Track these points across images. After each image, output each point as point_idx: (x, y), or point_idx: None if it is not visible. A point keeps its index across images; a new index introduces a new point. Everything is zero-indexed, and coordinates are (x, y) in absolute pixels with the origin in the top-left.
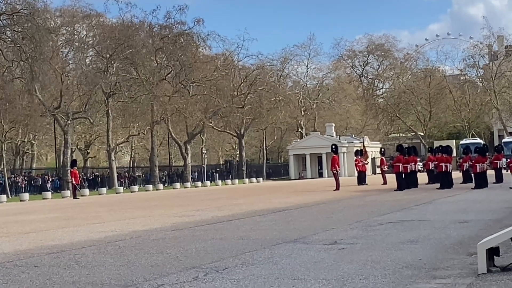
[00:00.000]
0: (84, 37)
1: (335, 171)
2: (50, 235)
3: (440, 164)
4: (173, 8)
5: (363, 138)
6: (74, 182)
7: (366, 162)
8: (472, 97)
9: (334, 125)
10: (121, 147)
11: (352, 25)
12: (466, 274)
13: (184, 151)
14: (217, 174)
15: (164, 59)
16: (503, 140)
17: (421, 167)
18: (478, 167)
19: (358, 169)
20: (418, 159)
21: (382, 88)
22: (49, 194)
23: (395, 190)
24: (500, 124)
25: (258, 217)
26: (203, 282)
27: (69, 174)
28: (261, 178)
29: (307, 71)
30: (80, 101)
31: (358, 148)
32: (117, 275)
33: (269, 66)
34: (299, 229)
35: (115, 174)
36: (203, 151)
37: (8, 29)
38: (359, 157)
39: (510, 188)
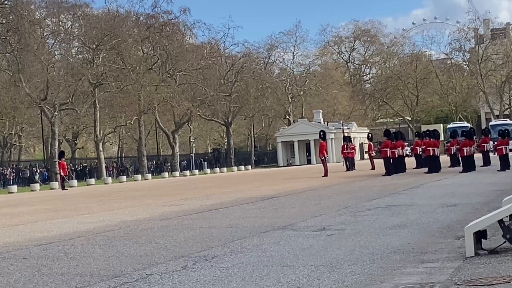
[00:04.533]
0: (69, 28)
1: (323, 158)
2: (38, 227)
3: (428, 148)
4: None
5: (342, 123)
6: (62, 173)
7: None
8: (459, 81)
9: (321, 111)
10: (109, 137)
11: (338, 11)
12: (454, 258)
13: (172, 140)
14: (206, 163)
15: (150, 48)
16: (490, 123)
17: (408, 152)
18: (465, 150)
19: (342, 156)
20: (406, 143)
21: (369, 73)
22: (37, 186)
23: (383, 175)
24: (487, 107)
25: (247, 205)
26: (192, 271)
27: (57, 166)
28: (249, 166)
29: (293, 58)
30: (66, 92)
31: (346, 135)
32: (106, 265)
33: (255, 53)
34: (288, 216)
35: (103, 165)
36: (191, 140)
37: None
38: (349, 143)
39: (498, 171)
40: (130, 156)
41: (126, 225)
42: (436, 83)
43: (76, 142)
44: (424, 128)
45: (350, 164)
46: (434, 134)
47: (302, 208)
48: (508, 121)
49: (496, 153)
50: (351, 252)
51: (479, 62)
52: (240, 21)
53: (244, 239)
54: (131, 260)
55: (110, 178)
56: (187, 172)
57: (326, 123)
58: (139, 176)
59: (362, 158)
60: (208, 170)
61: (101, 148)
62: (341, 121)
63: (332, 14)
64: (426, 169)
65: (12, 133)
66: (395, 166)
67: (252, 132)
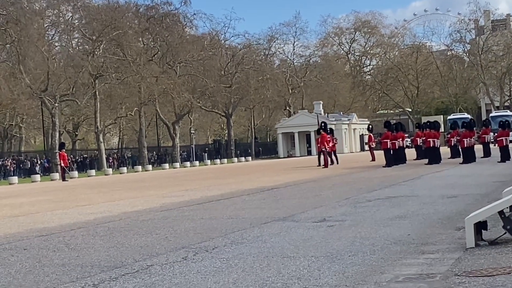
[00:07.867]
0: (70, 19)
1: (324, 149)
2: (39, 218)
3: (428, 139)
4: None
5: (317, 115)
6: (62, 164)
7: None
8: (459, 72)
9: (322, 102)
10: (109, 128)
11: (338, 2)
12: (455, 249)
13: (172, 132)
14: (206, 154)
15: (150, 40)
16: (491, 115)
17: (409, 143)
18: (465, 142)
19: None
20: (406, 135)
21: (369, 65)
22: (38, 177)
23: (383, 167)
24: (487, 99)
25: (247, 196)
26: (192, 262)
27: (57, 157)
28: (249, 157)
29: (294, 49)
30: (67, 84)
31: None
32: (107, 256)
33: (255, 45)
34: (288, 207)
35: (104, 156)
36: (192, 131)
37: None
38: (330, 135)
39: (498, 162)
40: (131, 147)
41: (127, 216)
42: (437, 75)
43: (76, 133)
44: (424, 119)
45: (329, 158)
46: (435, 125)
47: (302, 199)
48: (509, 113)
49: (496, 145)
50: (352, 243)
51: (480, 53)
52: (240, 12)
53: (244, 230)
54: (131, 251)
55: (111, 169)
56: (188, 164)
57: (326, 114)
58: (139, 167)
59: (362, 149)
60: (209, 162)
61: (101, 139)
62: (341, 113)
63: (332, 5)
64: (426, 161)
65: (12, 124)
66: (395, 158)
67: (252, 123)
